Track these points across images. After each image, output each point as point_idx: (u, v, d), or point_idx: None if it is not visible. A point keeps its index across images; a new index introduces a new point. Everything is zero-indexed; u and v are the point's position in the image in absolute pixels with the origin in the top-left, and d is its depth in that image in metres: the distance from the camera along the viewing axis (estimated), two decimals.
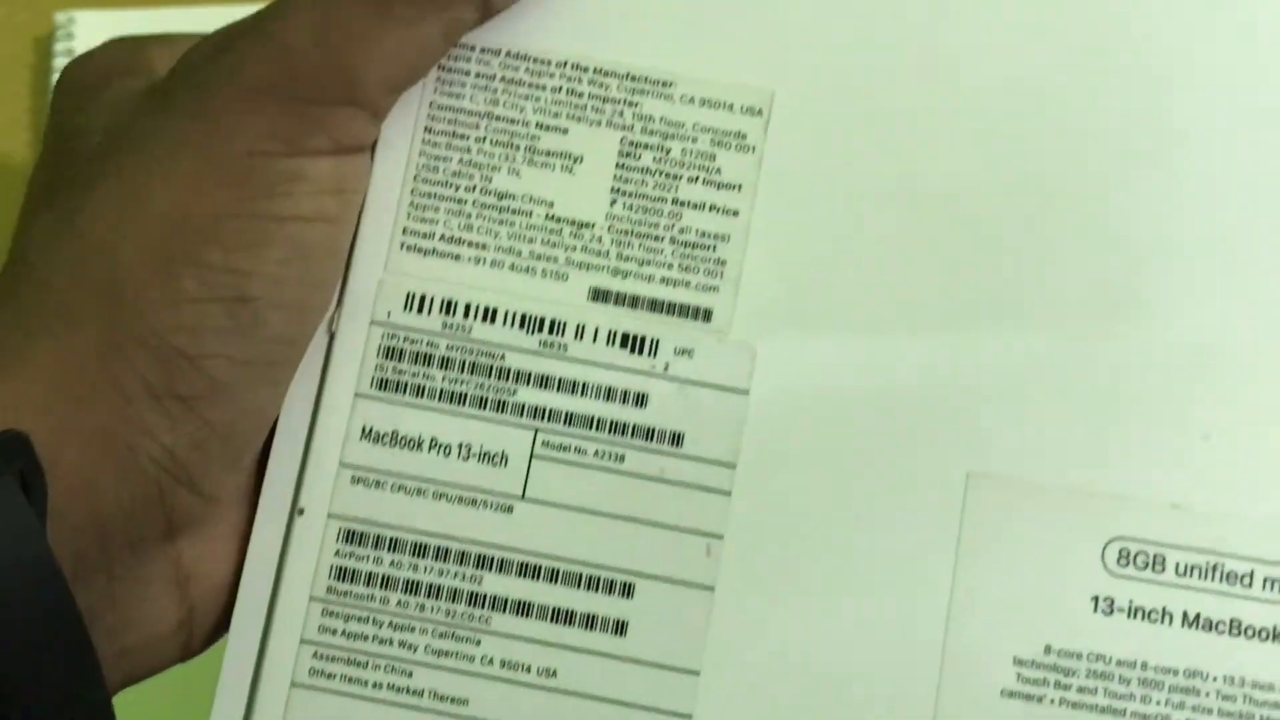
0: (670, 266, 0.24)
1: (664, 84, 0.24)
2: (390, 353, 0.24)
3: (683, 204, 0.24)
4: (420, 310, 0.24)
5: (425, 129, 0.24)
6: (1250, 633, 0.23)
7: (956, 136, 0.24)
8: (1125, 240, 0.24)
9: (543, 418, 0.24)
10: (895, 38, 0.24)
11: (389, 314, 0.24)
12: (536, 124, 0.24)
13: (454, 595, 0.24)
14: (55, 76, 0.53)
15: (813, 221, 0.24)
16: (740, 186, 0.24)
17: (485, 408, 0.24)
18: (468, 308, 0.24)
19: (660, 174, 0.24)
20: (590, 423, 0.24)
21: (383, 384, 0.24)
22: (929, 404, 0.24)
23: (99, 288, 0.21)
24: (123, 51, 0.25)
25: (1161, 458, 0.24)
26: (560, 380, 0.24)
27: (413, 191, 0.24)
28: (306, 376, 0.24)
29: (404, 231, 0.24)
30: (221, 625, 0.24)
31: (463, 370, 0.24)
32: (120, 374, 0.21)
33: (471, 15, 0.23)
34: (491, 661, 0.23)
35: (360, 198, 0.23)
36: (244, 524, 0.24)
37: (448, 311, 0.24)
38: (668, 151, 0.24)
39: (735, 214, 0.24)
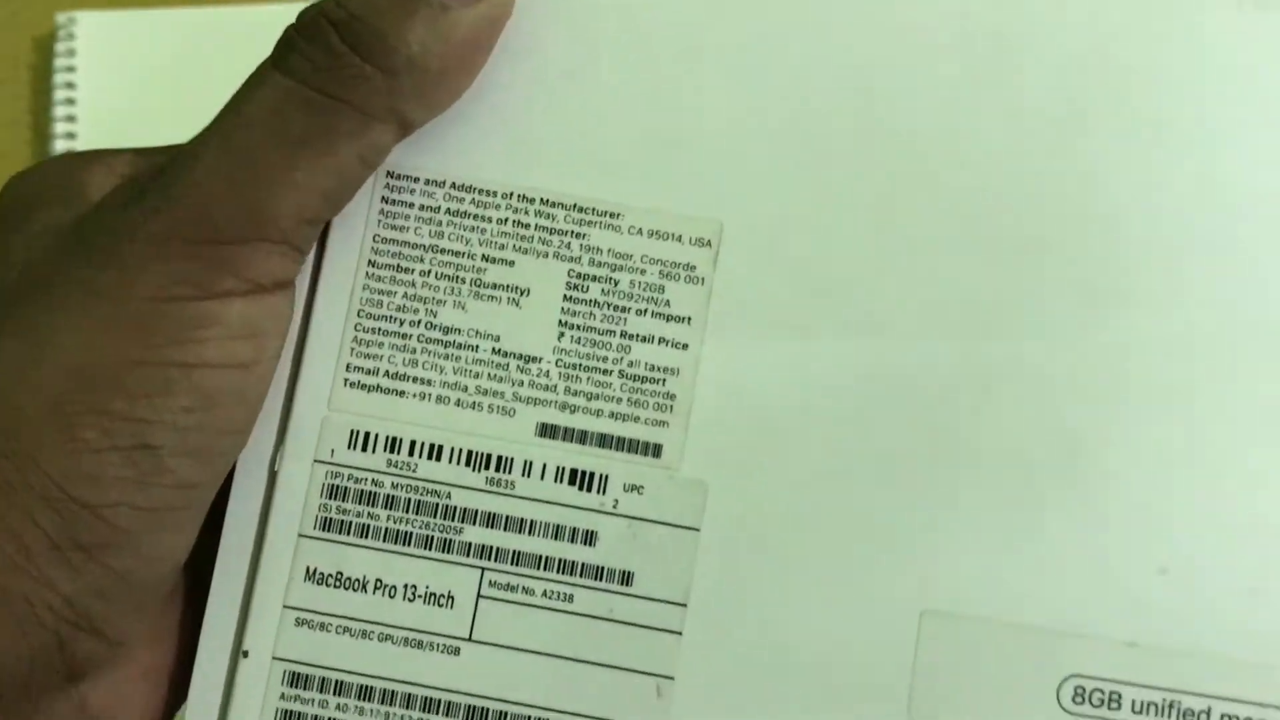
0: (619, 401, 0.24)
1: (612, 215, 0.24)
2: (334, 491, 0.24)
3: (631, 337, 0.24)
4: (364, 448, 0.24)
5: (369, 263, 0.24)
6: None
7: (909, 274, 0.24)
8: (1079, 379, 0.24)
9: (490, 557, 0.23)
10: (846, 170, 0.24)
11: (333, 452, 0.24)
12: (482, 256, 0.24)
13: None
14: (56, 76, 0.53)
15: (764, 354, 0.24)
16: (690, 319, 0.24)
17: (431, 547, 0.23)
18: (413, 445, 0.24)
19: (609, 306, 0.24)
20: (538, 562, 0.23)
21: (326, 524, 0.24)
22: (882, 543, 0.23)
23: None
24: (59, 174, 0.24)
25: (1118, 594, 0.23)
26: (507, 518, 0.24)
27: (356, 327, 0.24)
28: (245, 516, 0.24)
29: (347, 368, 0.24)
30: None
31: (408, 509, 0.24)
32: (18, 527, 0.21)
33: (388, 137, 0.22)
34: None
35: (280, 340, 0.23)
36: (154, 664, 0.23)
37: (392, 449, 0.24)
38: (616, 283, 0.24)
39: (685, 347, 0.24)
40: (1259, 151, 0.24)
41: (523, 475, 0.24)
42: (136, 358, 0.21)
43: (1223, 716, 0.23)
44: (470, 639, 0.23)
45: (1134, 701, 0.23)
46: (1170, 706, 0.23)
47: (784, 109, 0.24)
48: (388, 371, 0.24)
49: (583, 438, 0.24)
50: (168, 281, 0.21)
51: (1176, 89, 0.24)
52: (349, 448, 0.24)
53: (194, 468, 0.22)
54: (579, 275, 0.24)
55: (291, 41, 0.22)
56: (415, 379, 0.24)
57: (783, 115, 0.24)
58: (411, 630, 0.23)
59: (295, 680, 0.23)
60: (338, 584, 0.23)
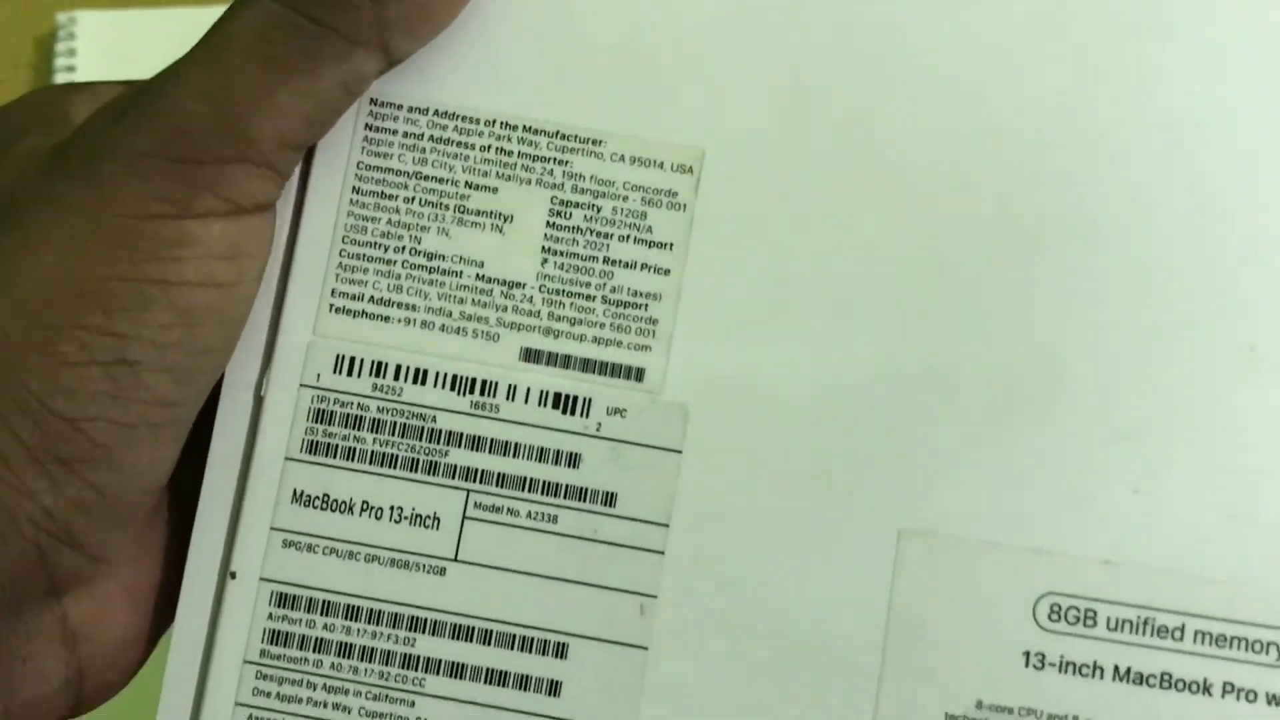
0: (602, 326, 0.24)
1: (594, 142, 0.24)
2: (320, 415, 0.24)
3: (614, 263, 0.24)
4: (350, 373, 0.24)
5: (353, 189, 0.24)
6: (1180, 685, 0.23)
7: (887, 195, 0.24)
8: (1055, 303, 0.24)
9: (475, 479, 0.24)
10: (825, 96, 0.24)
11: (318, 376, 0.24)
12: (465, 183, 0.24)
13: (387, 658, 0.24)
14: (56, 76, 0.53)
15: (744, 280, 0.24)
16: (671, 245, 0.24)
17: (416, 470, 0.24)
18: (398, 369, 0.24)
19: (591, 233, 0.24)
20: (523, 484, 0.24)
21: (313, 447, 0.24)
22: (861, 461, 0.24)
23: None
24: (42, 103, 0.25)
25: (1092, 513, 0.24)
26: (492, 441, 0.24)
27: (340, 253, 0.24)
28: (232, 439, 0.24)
29: (332, 294, 0.24)
30: (115, 684, 0.24)
31: (393, 433, 0.24)
32: None
33: (372, 66, 0.22)
34: None
35: (261, 262, 0.23)
36: (137, 583, 0.24)
37: (378, 374, 0.24)
38: (599, 210, 0.24)
39: (667, 273, 0.24)
40: (1227, 73, 0.24)
41: (507, 399, 0.24)
42: (114, 273, 0.21)
43: (1196, 633, 0.24)
44: (456, 559, 0.24)
45: (1109, 619, 0.24)
46: (1145, 623, 0.24)
47: (766, 35, 0.24)
48: (372, 297, 0.24)
49: (566, 362, 0.24)
50: (147, 199, 0.21)
51: None
52: (334, 372, 0.24)
53: (172, 385, 0.22)
54: (562, 202, 0.24)
55: None
56: (400, 304, 0.24)
57: (765, 42, 0.24)
58: (397, 551, 0.24)
59: (283, 601, 0.24)
60: (324, 506, 0.24)
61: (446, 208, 0.24)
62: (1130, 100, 0.24)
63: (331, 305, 0.24)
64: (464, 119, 0.24)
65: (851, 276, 0.24)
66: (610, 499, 0.24)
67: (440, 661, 0.23)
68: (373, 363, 0.24)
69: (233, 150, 0.21)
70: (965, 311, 0.24)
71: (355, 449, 0.24)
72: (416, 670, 0.23)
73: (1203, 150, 0.24)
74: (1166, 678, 0.23)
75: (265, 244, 0.23)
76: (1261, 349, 0.24)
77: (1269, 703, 0.23)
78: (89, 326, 0.21)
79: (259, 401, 0.24)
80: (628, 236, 0.24)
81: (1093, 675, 0.23)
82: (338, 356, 0.24)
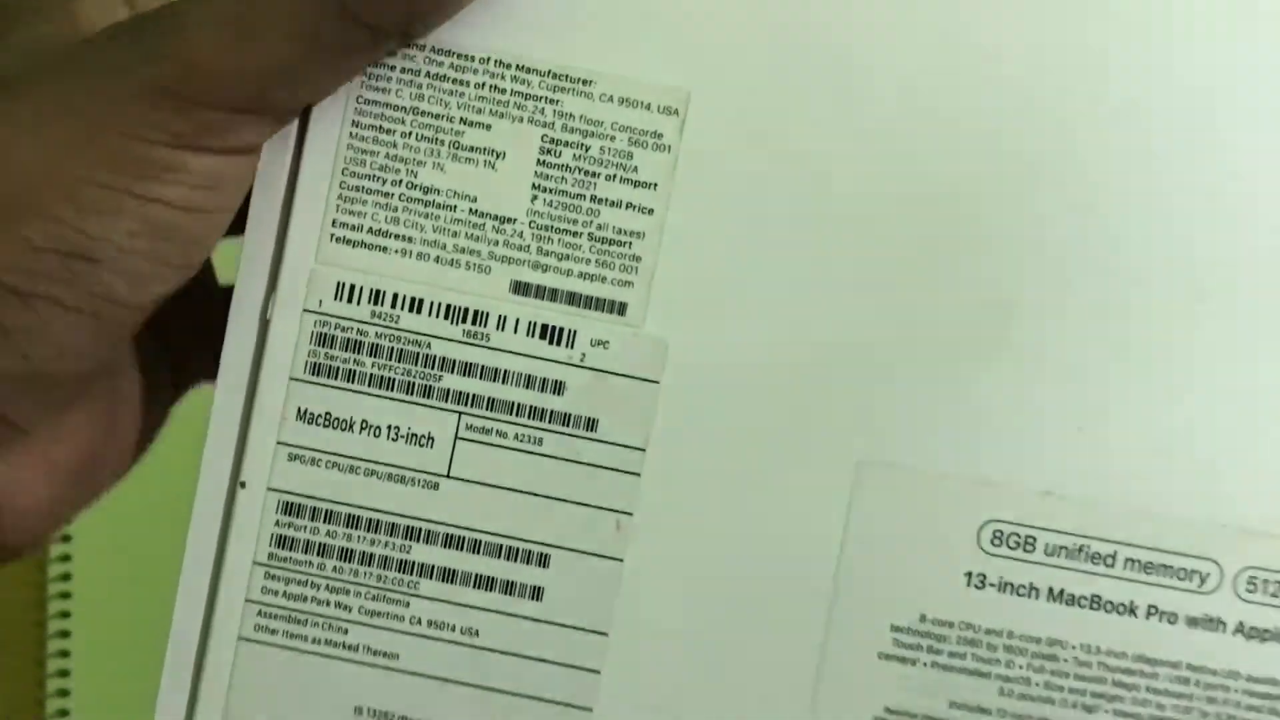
0: (588, 262, 0.25)
1: (584, 82, 0.25)
2: (322, 339, 0.25)
3: (601, 201, 0.25)
4: (350, 300, 0.25)
5: (352, 123, 0.25)
6: (1109, 607, 0.26)
7: (867, 142, 0.25)
8: (1008, 251, 0.25)
9: (466, 403, 0.26)
10: (811, 43, 0.25)
11: (320, 302, 0.25)
12: (460, 119, 0.25)
13: (385, 563, 0.26)
14: None
15: (725, 221, 0.25)
16: (656, 185, 0.25)
17: (412, 393, 0.26)
18: (395, 298, 0.25)
19: (579, 171, 0.25)
20: (511, 408, 0.26)
21: (315, 369, 0.25)
22: (826, 397, 0.25)
23: None
24: None
25: (1037, 449, 0.25)
26: (483, 368, 0.25)
27: (341, 185, 0.25)
28: (240, 359, 0.25)
29: (333, 224, 0.25)
30: (18, 549, 0.26)
31: (391, 357, 0.25)
32: None
33: (395, 46, 0.24)
34: (419, 621, 0.26)
35: (240, 194, 0.24)
36: (54, 459, 0.25)
37: (376, 301, 0.25)
38: (587, 149, 0.25)
39: (650, 212, 0.25)
40: (1176, 26, 0.25)
41: (497, 329, 0.25)
42: (95, 179, 0.22)
43: (1126, 560, 0.26)
44: (448, 476, 0.26)
45: (1046, 545, 0.26)
46: (1079, 550, 0.26)
47: None
48: (371, 228, 0.25)
49: (553, 295, 0.25)
50: (148, 127, 0.22)
51: None
52: (335, 299, 0.25)
53: (127, 288, 0.23)
54: (552, 140, 0.25)
55: None
56: (397, 236, 0.25)
57: None
58: (394, 467, 0.26)
59: (289, 509, 0.26)
60: (326, 424, 0.26)
61: (442, 143, 0.25)
62: (1090, 55, 0.25)
63: (333, 235, 0.25)
64: (459, 56, 0.25)
65: (827, 218, 0.25)
66: (592, 424, 0.26)
67: (433, 567, 0.26)
68: (371, 290, 0.25)
69: (245, 104, 0.22)
70: (931, 253, 0.25)
71: (355, 371, 0.26)
72: (411, 574, 0.26)
73: (1151, 100, 0.25)
74: (1096, 599, 0.26)
75: (248, 179, 0.24)
76: (1207, 296, 0.25)
77: (1189, 625, 0.26)
78: (58, 219, 0.22)
79: (265, 325, 0.25)
80: (614, 176, 0.25)
81: (1028, 595, 0.26)
82: (339, 284, 0.25)
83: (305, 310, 0.25)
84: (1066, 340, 0.25)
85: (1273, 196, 0.25)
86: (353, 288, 0.25)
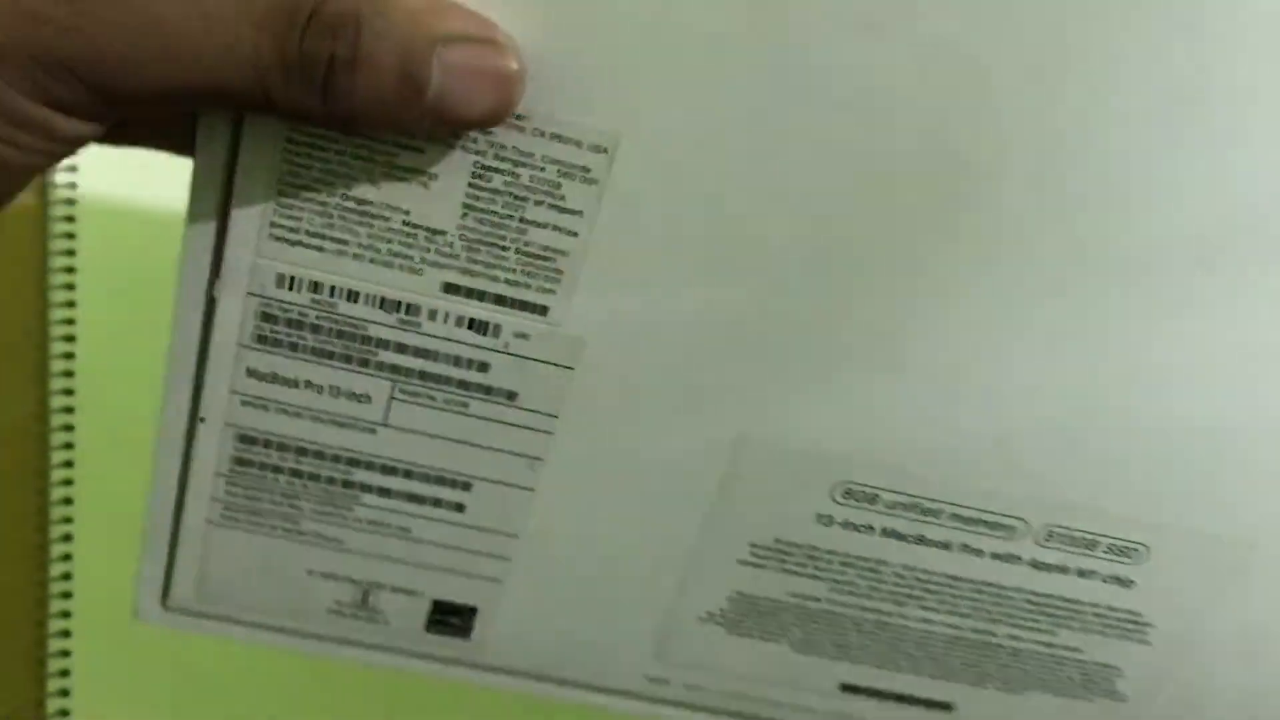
0: (514, 271, 0.27)
1: (518, 118, 0.25)
2: (267, 317, 0.28)
3: (528, 222, 0.27)
4: (291, 288, 0.27)
5: (287, 139, 0.25)
6: (929, 542, 0.32)
7: (780, 196, 0.26)
8: (877, 256, 0.28)
9: (400, 373, 0.28)
10: (740, 94, 0.25)
11: (263, 287, 0.27)
12: (394, 143, 0.25)
13: (330, 480, 0.30)
14: None
15: (644, 244, 0.27)
16: (582, 213, 0.26)
17: (352, 363, 0.28)
18: (333, 289, 0.27)
19: (509, 195, 0.26)
20: (440, 379, 0.29)
21: (261, 339, 0.28)
22: (715, 377, 0.29)
23: None
24: None
25: (890, 427, 0.30)
26: (415, 348, 0.28)
27: (279, 192, 0.26)
28: (190, 326, 0.28)
29: (271, 225, 0.26)
30: None
31: (330, 335, 0.28)
32: None
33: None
34: (361, 521, 0.31)
35: (50, 166, 0.25)
36: None
37: (315, 290, 0.27)
38: (517, 176, 0.26)
39: (575, 235, 0.27)
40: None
41: (429, 319, 0.28)
42: None
43: (951, 515, 0.31)
44: (385, 424, 0.29)
45: (888, 500, 0.31)
46: (913, 505, 0.31)
47: (688, 33, 0.24)
48: (308, 230, 0.27)
49: (481, 296, 0.27)
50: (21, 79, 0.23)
51: None
52: (277, 287, 0.27)
53: None
54: (483, 167, 0.26)
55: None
56: (333, 239, 0.27)
57: (686, 38, 0.24)
58: (336, 415, 0.29)
59: (244, 439, 0.29)
60: (274, 381, 0.29)
61: (376, 162, 0.26)
62: (1050, 32, 0.25)
63: (272, 234, 0.27)
64: None
65: (732, 256, 0.27)
66: (512, 395, 0.29)
67: (372, 485, 0.30)
68: (310, 282, 0.27)
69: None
70: (828, 268, 0.27)
71: (298, 343, 0.28)
72: (353, 490, 0.30)
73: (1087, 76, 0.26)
74: (920, 538, 0.31)
75: (63, 156, 0.25)
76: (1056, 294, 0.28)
77: (992, 558, 0.32)
78: None
79: (212, 301, 0.27)
80: (543, 201, 0.26)
81: (864, 532, 0.31)
82: (279, 275, 0.27)
83: (249, 294, 0.27)
84: (914, 334, 0.28)
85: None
86: (293, 278, 0.27)
